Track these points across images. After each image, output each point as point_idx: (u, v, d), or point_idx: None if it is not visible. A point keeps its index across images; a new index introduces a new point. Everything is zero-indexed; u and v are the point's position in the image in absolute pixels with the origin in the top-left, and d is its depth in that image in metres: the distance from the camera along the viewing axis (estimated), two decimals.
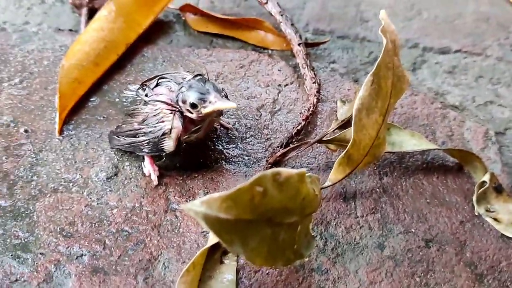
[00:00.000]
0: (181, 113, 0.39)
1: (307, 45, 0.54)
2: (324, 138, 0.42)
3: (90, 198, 0.41)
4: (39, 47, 0.53)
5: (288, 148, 0.43)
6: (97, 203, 0.41)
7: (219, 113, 0.42)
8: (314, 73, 0.50)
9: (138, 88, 0.43)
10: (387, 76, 0.39)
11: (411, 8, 0.63)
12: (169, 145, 0.40)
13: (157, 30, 0.56)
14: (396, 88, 0.40)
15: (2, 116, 0.46)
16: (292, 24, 0.54)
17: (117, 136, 0.42)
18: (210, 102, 0.38)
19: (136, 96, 0.43)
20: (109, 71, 0.51)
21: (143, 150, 0.41)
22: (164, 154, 0.41)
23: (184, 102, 0.38)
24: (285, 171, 0.31)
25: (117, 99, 0.49)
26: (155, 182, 0.42)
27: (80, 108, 0.48)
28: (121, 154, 0.44)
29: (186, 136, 0.40)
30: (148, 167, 0.43)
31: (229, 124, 0.47)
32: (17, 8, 0.58)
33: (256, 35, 0.56)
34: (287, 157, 0.44)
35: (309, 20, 0.59)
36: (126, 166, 0.44)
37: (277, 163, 0.44)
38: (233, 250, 0.30)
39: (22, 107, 0.47)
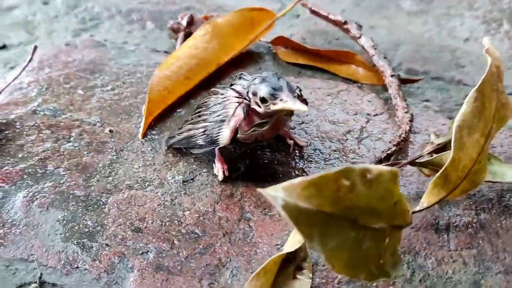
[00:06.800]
0: (249, 106, 0.38)
1: (400, 81, 0.52)
2: (418, 160, 0.39)
3: (164, 198, 0.40)
4: (134, 62, 0.55)
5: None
6: (170, 203, 0.39)
7: (290, 113, 0.40)
8: (407, 104, 0.48)
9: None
10: (492, 97, 0.36)
11: (510, 59, 0.59)
12: (224, 134, 0.38)
13: (247, 58, 0.57)
14: (500, 113, 0.36)
15: (90, 116, 0.47)
16: (385, 57, 0.52)
17: (177, 135, 0.42)
18: (281, 100, 0.36)
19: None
20: (198, 87, 0.51)
21: (197, 142, 0.40)
22: (217, 148, 0.39)
23: (254, 94, 0.37)
24: (375, 167, 0.28)
25: None
26: (220, 178, 0.41)
27: (166, 117, 0.48)
28: (200, 162, 0.43)
29: (250, 130, 0.38)
30: (218, 163, 0.41)
31: (304, 142, 0.44)
32: (118, 31, 0.61)
33: (346, 68, 0.55)
34: None
35: (402, 60, 0.58)
36: (204, 172, 0.42)
37: None
38: (311, 247, 0.27)
39: (111, 110, 0.48)
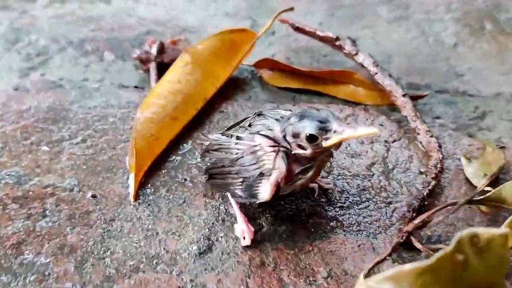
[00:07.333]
0: (287, 153, 0.31)
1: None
2: (475, 198, 0.34)
3: (182, 279, 0.32)
4: (102, 104, 0.46)
5: (433, 211, 0.34)
6: (191, 285, 0.32)
7: (331, 153, 0.34)
8: (428, 126, 0.43)
9: (223, 134, 0.35)
10: None
11: (502, 62, 0.57)
12: (264, 191, 0.31)
13: (233, 86, 0.50)
14: None
15: (64, 179, 0.38)
16: (390, 75, 0.47)
17: (212, 175, 0.35)
18: (335, 132, 0.29)
19: (219, 144, 0.35)
20: (186, 128, 0.43)
21: (236, 192, 0.33)
22: (257, 202, 0.33)
23: (295, 136, 0.30)
24: (483, 231, 0.23)
25: (199, 159, 0.41)
26: (247, 243, 0.34)
27: (157, 169, 0.40)
28: (212, 223, 0.36)
29: (293, 180, 0.32)
30: (241, 226, 0.34)
31: (329, 184, 0.38)
32: (73, 66, 0.52)
33: (345, 89, 0.49)
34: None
35: (400, 74, 0.53)
36: (221, 237, 0.35)
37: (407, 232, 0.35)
38: None
39: (88, 169, 0.39)
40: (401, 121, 0.46)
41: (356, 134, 0.29)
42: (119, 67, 0.52)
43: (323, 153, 0.31)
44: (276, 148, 0.31)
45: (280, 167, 0.31)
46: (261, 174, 0.31)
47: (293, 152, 0.31)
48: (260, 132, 0.32)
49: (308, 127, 0.29)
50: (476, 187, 0.39)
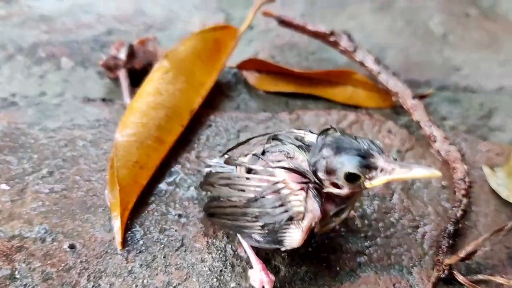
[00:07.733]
0: (319, 192, 0.26)
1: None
2: None
3: None
4: (66, 124, 0.39)
5: (480, 240, 0.29)
6: None
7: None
8: (444, 131, 0.39)
9: (226, 161, 0.30)
10: None
11: (498, 50, 0.54)
12: (294, 237, 0.26)
13: (218, 93, 0.44)
14: None
15: (32, 227, 0.31)
16: (394, 74, 0.42)
17: (217, 214, 0.29)
18: (381, 171, 0.24)
19: (228, 178, 0.29)
20: (173, 149, 0.37)
21: (254, 237, 0.27)
22: (283, 249, 0.27)
23: (330, 172, 0.25)
24: None
25: (192, 186, 0.35)
26: None
27: (144, 205, 0.33)
28: (220, 270, 0.30)
29: (324, 223, 0.27)
30: (259, 274, 0.29)
31: (352, 212, 0.34)
32: (26, 77, 0.44)
33: (343, 91, 0.44)
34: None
35: (397, 70, 0.48)
36: None
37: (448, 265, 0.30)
38: None
39: (60, 211, 0.32)
40: (409, 126, 0.41)
41: (410, 175, 0.24)
42: (80, 76, 0.45)
43: (361, 191, 0.26)
44: (305, 185, 0.25)
45: (314, 209, 0.25)
46: (290, 219, 0.25)
47: (324, 191, 0.25)
48: (282, 165, 0.26)
49: (348, 164, 0.24)
50: (506, 200, 0.35)
